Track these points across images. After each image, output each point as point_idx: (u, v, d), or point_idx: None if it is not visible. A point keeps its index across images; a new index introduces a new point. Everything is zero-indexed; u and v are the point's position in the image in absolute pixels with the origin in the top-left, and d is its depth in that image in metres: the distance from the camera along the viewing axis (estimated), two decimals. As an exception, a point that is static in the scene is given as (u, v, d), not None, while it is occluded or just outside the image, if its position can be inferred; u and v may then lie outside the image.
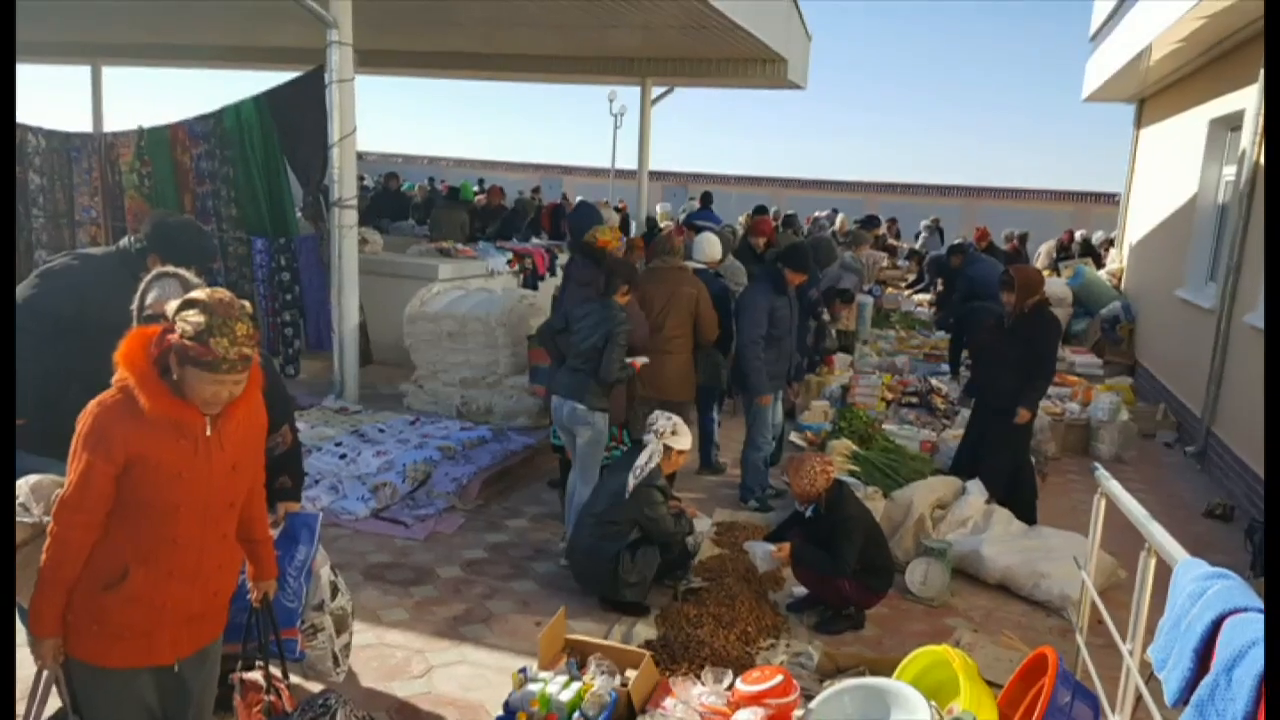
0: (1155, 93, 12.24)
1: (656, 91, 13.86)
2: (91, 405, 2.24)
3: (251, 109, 7.48)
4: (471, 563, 4.99)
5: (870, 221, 15.37)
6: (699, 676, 3.73)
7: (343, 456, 5.92)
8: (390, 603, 4.46)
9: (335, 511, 5.39)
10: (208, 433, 2.31)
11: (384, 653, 4.00)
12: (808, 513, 4.52)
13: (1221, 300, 7.61)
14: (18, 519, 2.45)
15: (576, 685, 3.48)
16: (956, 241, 13.18)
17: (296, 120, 7.31)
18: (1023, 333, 5.55)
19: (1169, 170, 10.88)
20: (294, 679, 3.26)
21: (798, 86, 12.90)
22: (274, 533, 3.03)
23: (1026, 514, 5.67)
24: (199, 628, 2.47)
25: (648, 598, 4.53)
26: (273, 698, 2.82)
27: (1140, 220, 12.72)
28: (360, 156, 8.80)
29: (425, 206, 15.41)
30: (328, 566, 3.43)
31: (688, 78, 13.15)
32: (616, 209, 17.33)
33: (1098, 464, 3.66)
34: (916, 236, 18.95)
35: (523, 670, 3.58)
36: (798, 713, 3.32)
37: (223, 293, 2.30)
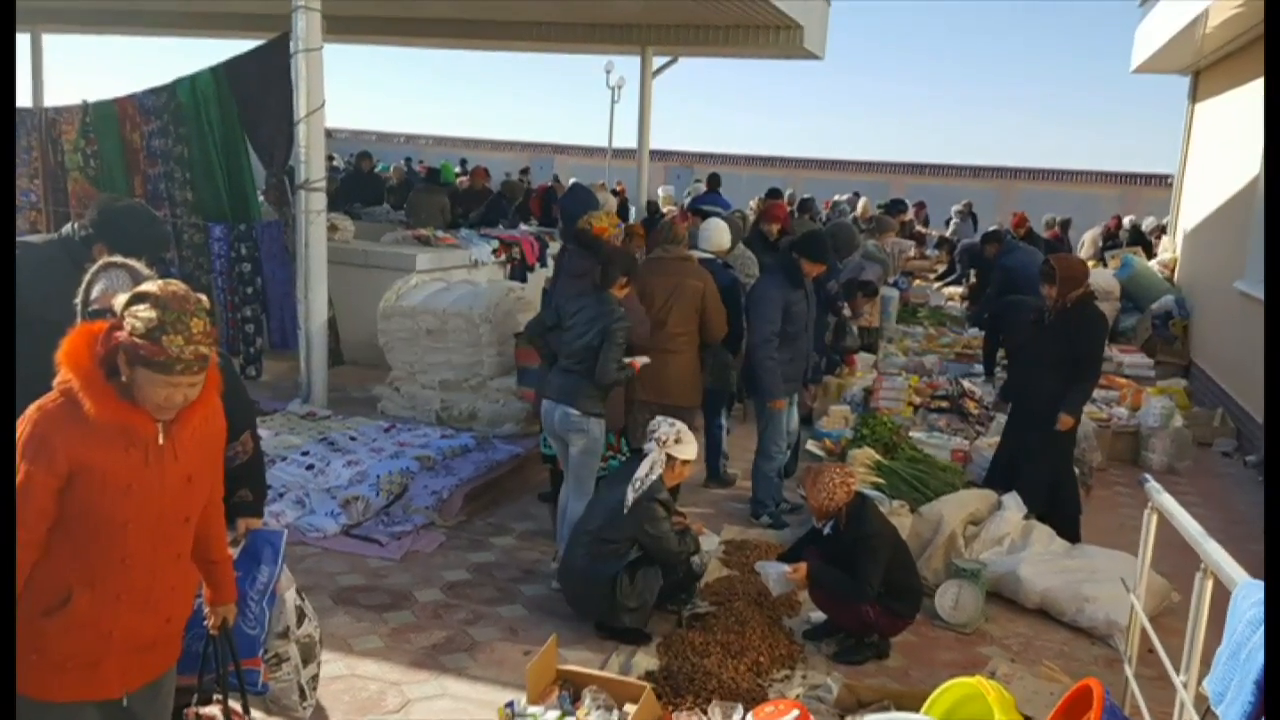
0: (1212, 63, 12.24)
1: (658, 62, 13.84)
2: (30, 410, 2.24)
3: (209, 81, 7.48)
4: (453, 585, 5.00)
5: (895, 206, 15.38)
6: (705, 711, 3.73)
7: (310, 467, 5.93)
8: (363, 629, 4.46)
9: (302, 528, 5.40)
10: (160, 441, 2.31)
11: (356, 685, 4.00)
12: (826, 530, 4.52)
13: (1286, 294, 7.60)
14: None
15: (569, 721, 3.48)
16: (991, 228, 13.18)
17: (259, 94, 7.31)
18: (1065, 330, 5.55)
19: (1228, 149, 10.88)
20: (256, 714, 3.26)
21: (815, 56, 12.88)
22: (233, 552, 3.03)
23: (1069, 531, 5.67)
24: (150, 657, 2.47)
25: (649, 624, 4.53)
26: (232, 735, 2.82)
27: (1196, 205, 12.72)
28: (329, 134, 8.78)
29: (401, 190, 15.41)
30: (293, 589, 3.43)
31: (693, 46, 13.13)
32: (614, 192, 17.34)
33: (1148, 475, 3.66)
34: (947, 223, 18.95)
35: (510, 704, 3.58)
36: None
37: (176, 285, 2.30)
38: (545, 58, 21.27)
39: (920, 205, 19.85)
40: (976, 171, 29.61)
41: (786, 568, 4.44)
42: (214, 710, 2.87)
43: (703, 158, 31.53)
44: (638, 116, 14.02)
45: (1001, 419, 6.80)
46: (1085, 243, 16.17)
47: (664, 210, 14.34)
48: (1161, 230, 15.85)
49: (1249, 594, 2.26)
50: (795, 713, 3.39)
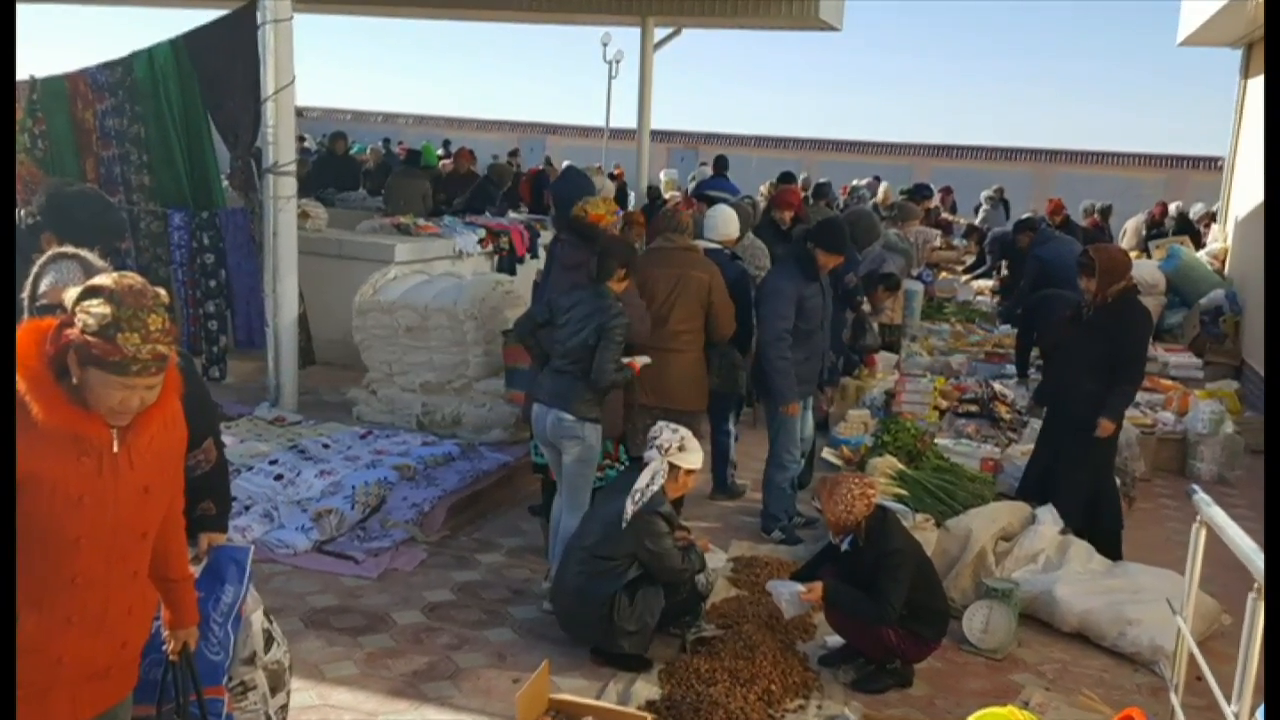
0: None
1: (660, 34, 13.87)
2: (-28, 415, 2.24)
3: (168, 55, 7.48)
4: (435, 607, 5.00)
5: (920, 192, 15.37)
6: (712, 745, 3.73)
7: (279, 477, 5.93)
8: (336, 655, 4.47)
9: (270, 544, 5.40)
10: (114, 449, 2.31)
11: (329, 715, 4.00)
12: (844, 546, 4.52)
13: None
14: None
15: (563, 755, 3.48)
16: (1025, 216, 13.18)
17: (223, 69, 7.31)
18: (1105, 327, 5.56)
19: (1283, 129, 10.88)
20: (219, 748, 3.26)
21: (831, 28, 12.91)
22: (195, 570, 3.03)
23: (1110, 547, 5.68)
24: (104, 685, 2.47)
25: (649, 649, 4.53)
26: (193, 771, 2.82)
27: (1248, 190, 12.72)
28: (300, 113, 8.78)
29: (379, 173, 15.42)
30: (260, 611, 3.43)
31: (698, 17, 13.15)
32: (611, 176, 17.33)
33: (1196, 486, 3.66)
34: (976, 210, 18.97)
35: (497, 737, 3.58)
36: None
37: (132, 278, 2.30)
38: (536, 29, 21.30)
39: (947, 191, 19.86)
40: (1009, 154, 29.65)
41: (800, 587, 4.44)
42: (174, 743, 2.87)
43: (708, 139, 31.56)
44: (637, 93, 14.05)
45: (1036, 425, 6.81)
46: (1127, 231, 16.17)
47: (666, 196, 14.35)
48: (1211, 218, 15.86)
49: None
50: (810, 746, 3.39)
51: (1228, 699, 2.85)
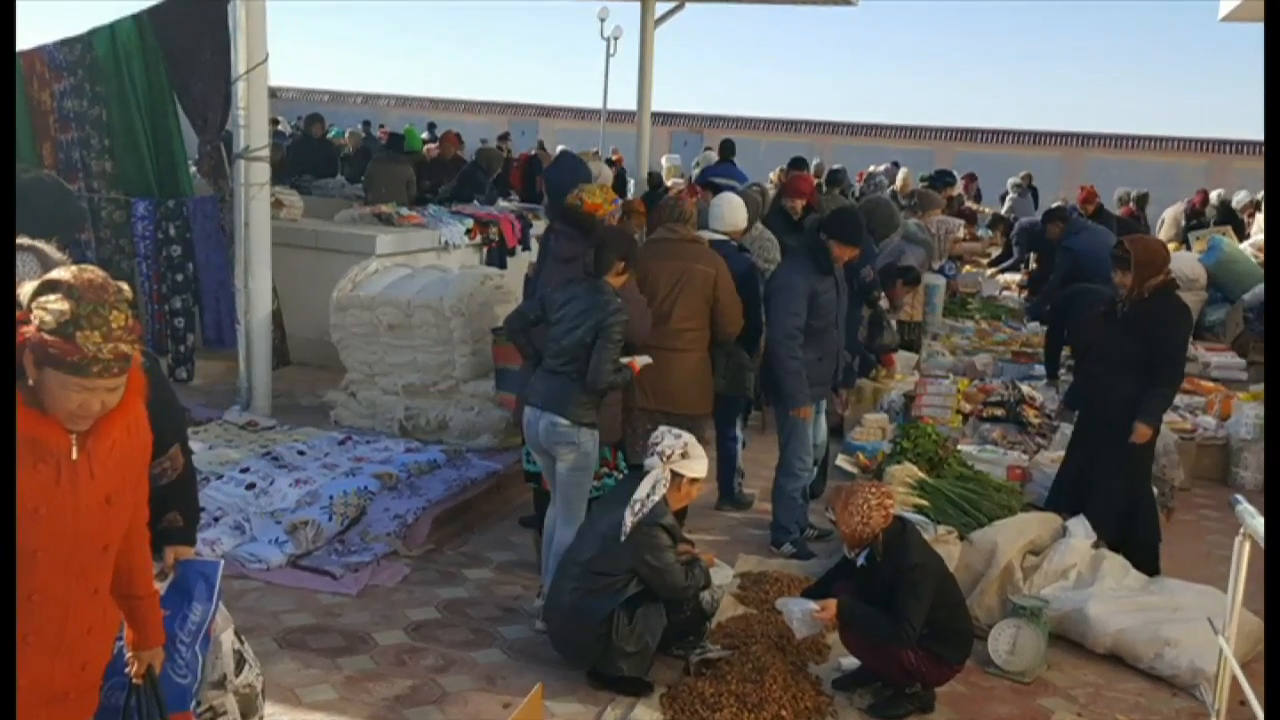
0: (1315, 10, 12.24)
1: (661, 9, 13.86)
2: (-79, 419, 2.24)
3: (131, 31, 7.48)
4: (419, 626, 5.00)
5: (942, 179, 15.38)
6: (717, 775, 3.73)
7: (251, 486, 5.93)
8: (313, 678, 4.47)
9: (241, 558, 5.40)
10: (74, 456, 2.32)
11: (305, 744, 4.01)
12: (860, 560, 4.52)
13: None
14: None
15: (557, 786, 3.48)
16: (1055, 205, 13.20)
17: (190, 46, 7.32)
18: (1142, 324, 5.56)
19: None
20: (187, 778, 3.26)
21: (847, 2, 12.92)
22: (161, 586, 3.03)
23: (1146, 562, 5.68)
24: (63, 709, 2.47)
25: (650, 671, 4.54)
26: (159, 802, 2.82)
27: (1295, 177, 12.72)
28: (274, 94, 8.78)
29: (358, 159, 15.45)
30: (231, 631, 3.44)
31: (702, -10, 13.13)
32: (609, 162, 17.35)
33: (1239, 496, 3.66)
34: (1002, 198, 18.98)
35: (486, 766, 3.59)
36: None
37: (93, 272, 2.30)
38: (528, 3, 21.28)
39: (971, 178, 19.87)
40: (1037, 138, 29.68)
41: (813, 605, 4.44)
42: (137, 773, 2.87)
43: (714, 121, 31.58)
44: (637, 73, 14.04)
45: (1067, 430, 6.80)
46: (1165, 221, 16.18)
47: (668, 184, 14.35)
48: (1256, 206, 15.86)
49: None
50: (823, 776, 3.39)
51: (1273, 725, 2.85)
